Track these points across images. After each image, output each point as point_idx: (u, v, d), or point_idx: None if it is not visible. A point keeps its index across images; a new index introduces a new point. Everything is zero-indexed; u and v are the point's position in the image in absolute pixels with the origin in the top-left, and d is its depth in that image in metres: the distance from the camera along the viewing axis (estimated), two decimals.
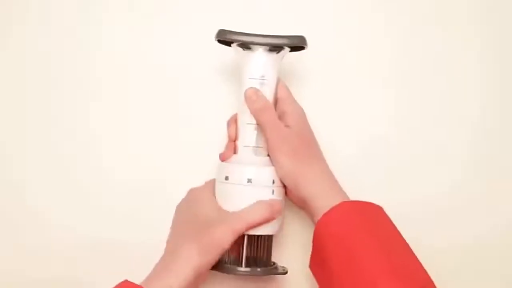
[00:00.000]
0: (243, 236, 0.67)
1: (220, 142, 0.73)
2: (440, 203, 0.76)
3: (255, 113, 0.68)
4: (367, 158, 0.76)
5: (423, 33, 0.78)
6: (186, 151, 0.76)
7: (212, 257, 0.64)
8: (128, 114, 0.77)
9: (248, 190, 0.66)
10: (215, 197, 0.68)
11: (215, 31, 0.69)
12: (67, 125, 0.77)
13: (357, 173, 0.74)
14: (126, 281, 0.62)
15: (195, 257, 0.63)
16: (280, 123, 0.68)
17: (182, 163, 0.76)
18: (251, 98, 0.68)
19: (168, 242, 0.68)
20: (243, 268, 0.67)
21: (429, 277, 0.62)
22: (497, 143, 0.77)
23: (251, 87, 0.69)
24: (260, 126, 0.68)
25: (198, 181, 0.72)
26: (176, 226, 0.69)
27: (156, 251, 0.67)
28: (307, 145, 0.69)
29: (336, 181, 0.68)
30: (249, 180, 0.66)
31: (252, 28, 0.69)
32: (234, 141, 0.70)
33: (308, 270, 0.68)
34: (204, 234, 0.64)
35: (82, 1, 0.78)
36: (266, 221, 0.66)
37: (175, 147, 0.77)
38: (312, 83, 0.77)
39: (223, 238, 0.64)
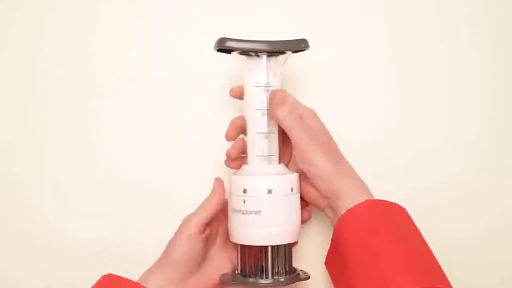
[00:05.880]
0: (261, 247, 0.67)
1: (224, 144, 0.72)
2: (441, 195, 0.76)
3: (282, 118, 0.67)
4: (366, 156, 0.75)
5: (423, 30, 0.78)
6: (189, 152, 0.76)
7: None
8: (130, 115, 0.77)
9: (269, 200, 0.66)
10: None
11: (218, 33, 0.68)
12: (68, 125, 0.77)
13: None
14: (109, 274, 0.65)
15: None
16: (305, 123, 0.67)
17: (185, 165, 0.76)
18: (278, 103, 0.67)
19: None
20: (265, 280, 0.67)
21: (447, 280, 0.61)
22: (499, 136, 0.78)
23: (277, 90, 0.68)
24: (286, 130, 0.67)
25: (201, 183, 0.71)
26: None
27: (158, 253, 0.68)
28: (332, 143, 0.69)
29: (360, 179, 0.68)
30: (269, 191, 0.66)
31: (253, 31, 0.69)
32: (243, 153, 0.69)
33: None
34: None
35: (84, 1, 0.78)
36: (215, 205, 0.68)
37: (178, 149, 0.76)
38: (312, 82, 0.76)
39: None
